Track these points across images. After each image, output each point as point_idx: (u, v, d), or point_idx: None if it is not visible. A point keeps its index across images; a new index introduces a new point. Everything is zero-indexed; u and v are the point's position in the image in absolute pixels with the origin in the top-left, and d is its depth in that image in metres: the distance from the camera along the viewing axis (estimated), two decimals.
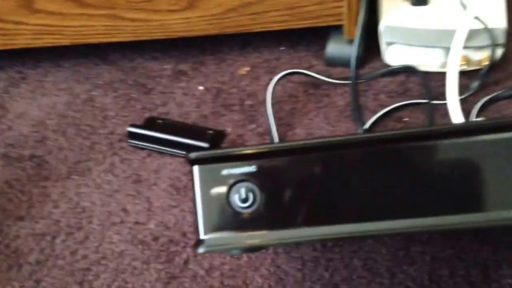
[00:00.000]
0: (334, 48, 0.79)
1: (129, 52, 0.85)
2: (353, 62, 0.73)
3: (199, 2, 0.72)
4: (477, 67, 0.74)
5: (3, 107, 0.77)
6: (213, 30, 0.76)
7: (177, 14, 0.73)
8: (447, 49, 0.72)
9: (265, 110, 0.73)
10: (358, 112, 0.71)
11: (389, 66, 0.77)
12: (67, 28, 0.74)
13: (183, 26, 0.75)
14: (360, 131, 0.68)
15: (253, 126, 0.72)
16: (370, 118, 0.71)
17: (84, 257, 0.58)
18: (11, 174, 0.68)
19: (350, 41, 0.77)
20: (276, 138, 0.68)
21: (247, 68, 0.81)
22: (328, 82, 0.77)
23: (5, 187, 0.67)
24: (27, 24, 0.72)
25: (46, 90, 0.80)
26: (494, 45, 0.72)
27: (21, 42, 0.75)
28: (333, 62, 0.79)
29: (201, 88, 0.79)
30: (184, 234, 0.59)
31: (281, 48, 0.84)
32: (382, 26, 0.75)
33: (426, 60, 0.75)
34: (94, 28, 0.74)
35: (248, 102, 0.76)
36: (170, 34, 0.76)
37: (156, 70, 0.82)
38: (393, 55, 0.77)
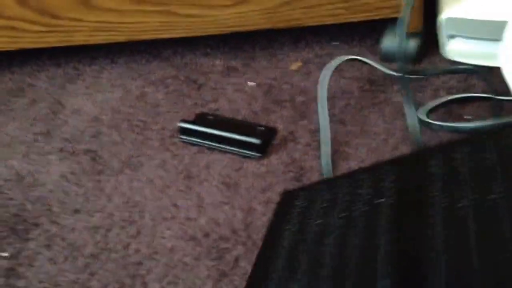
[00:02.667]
0: (390, 42, 0.77)
1: (180, 49, 0.85)
2: (402, 55, 0.71)
3: None
4: None
5: (59, 103, 0.79)
6: (266, 25, 0.75)
7: (230, 9, 0.73)
8: None
9: (317, 107, 0.72)
10: (411, 105, 0.68)
11: (449, 60, 0.74)
12: (123, 25, 0.75)
13: (236, 20, 0.75)
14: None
15: (305, 122, 0.71)
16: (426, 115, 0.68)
17: (137, 251, 0.59)
18: (67, 168, 0.69)
19: (408, 35, 0.75)
20: (328, 135, 0.66)
21: (299, 64, 0.80)
22: (385, 77, 0.75)
23: (61, 180, 0.68)
24: (84, 21, 0.73)
25: (100, 87, 0.82)
26: None
27: (78, 39, 0.76)
28: (388, 57, 0.77)
29: (252, 84, 0.78)
30: (234, 231, 0.59)
31: (334, 43, 0.83)
32: (443, 18, 0.72)
33: (490, 54, 0.72)
34: (149, 25, 0.75)
35: (299, 99, 0.75)
36: (223, 30, 0.76)
37: (207, 66, 0.82)
38: (455, 49, 0.74)
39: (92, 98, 0.80)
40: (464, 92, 0.71)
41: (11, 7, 0.71)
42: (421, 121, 0.64)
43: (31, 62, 0.86)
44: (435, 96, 0.71)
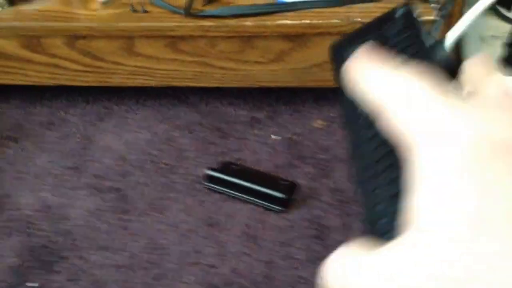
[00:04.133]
0: None
1: (206, 96, 0.89)
2: None
3: (286, 56, 0.75)
4: None
5: (90, 139, 0.82)
6: (295, 83, 0.79)
7: (263, 66, 0.77)
8: None
9: (337, 166, 0.75)
10: None
11: None
12: (158, 71, 0.78)
13: (267, 76, 0.78)
14: None
15: (327, 181, 0.74)
16: None
17: None
18: (94, 204, 0.72)
19: None
20: None
21: (322, 122, 0.84)
22: None
23: (88, 215, 0.70)
24: (124, 65, 0.77)
25: (129, 126, 0.85)
26: None
27: (115, 80, 0.80)
28: None
29: (275, 137, 0.81)
30: (255, 283, 0.61)
31: None
32: None
33: None
34: (183, 73, 0.78)
35: (321, 156, 0.78)
36: (254, 84, 0.80)
37: (231, 116, 0.86)
38: None
39: (120, 137, 0.83)
40: None
41: (59, 47, 0.75)
42: None
43: (63, 97, 0.89)
44: None
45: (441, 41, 0.27)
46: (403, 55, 0.26)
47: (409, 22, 0.28)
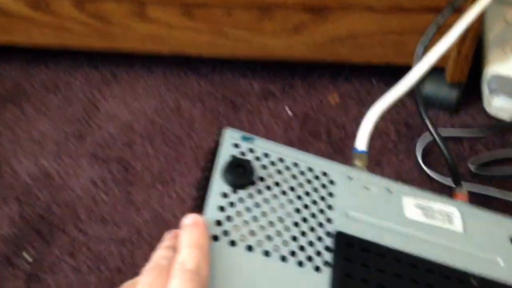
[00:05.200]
0: (432, 89, 0.77)
1: (219, 67, 0.85)
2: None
3: (305, 29, 0.71)
4: None
5: (95, 106, 0.78)
6: (312, 57, 0.75)
7: (280, 38, 0.72)
8: None
9: (352, 144, 0.71)
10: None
11: (489, 115, 0.74)
12: (170, 38, 0.74)
13: (284, 50, 0.74)
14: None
15: (340, 159, 0.70)
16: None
17: None
18: (97, 174, 0.68)
19: (449, 84, 0.74)
20: None
21: (337, 97, 0.80)
22: (421, 124, 0.74)
23: (90, 186, 0.67)
24: (135, 30, 0.72)
25: (136, 94, 0.81)
26: None
27: (124, 46, 0.76)
28: (427, 103, 0.77)
29: (289, 112, 0.78)
30: None
31: (373, 81, 0.83)
32: (488, 74, 0.72)
33: None
34: (197, 41, 0.74)
35: (336, 133, 0.74)
36: (269, 56, 0.76)
37: (245, 88, 0.82)
38: (497, 105, 0.74)
39: (127, 105, 0.79)
40: (500, 148, 0.71)
41: (66, 8, 0.71)
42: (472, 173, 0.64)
43: (68, 60, 0.85)
44: (475, 150, 0.71)
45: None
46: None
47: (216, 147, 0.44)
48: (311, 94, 0.81)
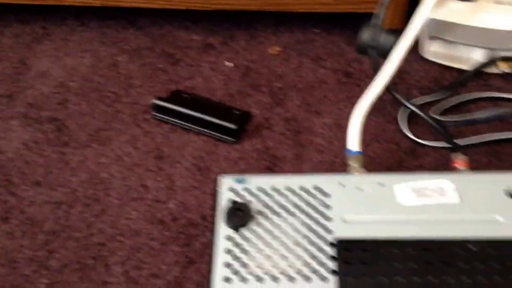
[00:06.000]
0: (369, 36, 0.76)
1: (158, 19, 0.82)
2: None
3: None
4: None
5: (25, 64, 0.75)
6: (252, 6, 0.73)
7: None
8: (488, 49, 0.70)
9: (293, 95, 0.71)
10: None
11: (426, 60, 0.75)
12: None
13: None
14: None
15: (281, 110, 0.70)
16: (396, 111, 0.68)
17: (100, 231, 0.57)
18: (30, 136, 0.66)
19: (386, 30, 0.74)
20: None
21: (279, 48, 0.79)
22: (360, 73, 0.74)
23: (22, 148, 0.65)
24: None
25: (70, 50, 0.78)
26: None
27: None
28: (363, 50, 0.76)
29: (229, 64, 0.76)
30: (204, 218, 0.58)
31: (315, 30, 0.82)
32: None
33: (465, 58, 0.73)
34: None
35: (277, 84, 0.73)
36: (207, 6, 0.73)
37: (184, 41, 0.79)
38: (434, 50, 0.74)
39: (60, 61, 0.76)
40: (434, 92, 0.71)
41: None
42: (434, 120, 0.64)
43: None
44: (409, 94, 0.71)
45: None
46: None
47: None
48: (252, 45, 0.79)
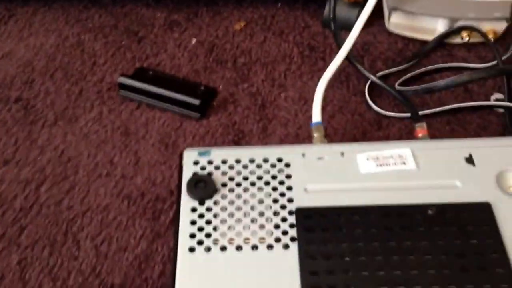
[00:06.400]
0: (331, 9, 0.77)
1: None
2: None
3: None
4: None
5: None
6: None
7: None
8: (450, 20, 0.72)
9: (258, 70, 0.72)
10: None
11: (390, 32, 0.76)
12: None
13: None
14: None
15: (246, 85, 0.71)
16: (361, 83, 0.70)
17: (69, 207, 0.58)
18: None
19: (351, 3, 0.75)
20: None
21: (243, 24, 0.80)
22: (325, 44, 0.76)
23: None
24: None
25: (34, 30, 0.78)
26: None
27: None
28: (328, 24, 0.78)
29: (194, 41, 0.77)
30: (171, 192, 0.59)
31: (278, 5, 0.83)
32: None
33: (427, 29, 0.74)
34: None
35: (241, 60, 0.74)
36: None
37: (148, 18, 0.80)
38: (396, 21, 0.75)
39: (24, 42, 0.76)
40: (398, 64, 0.73)
41: None
42: (396, 91, 0.65)
43: None
44: (373, 66, 0.73)
45: None
46: None
47: None
48: (216, 21, 0.80)
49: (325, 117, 0.63)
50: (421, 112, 0.64)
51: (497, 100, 0.67)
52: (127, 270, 0.53)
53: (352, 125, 0.66)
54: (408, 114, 0.64)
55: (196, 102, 0.66)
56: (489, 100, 0.68)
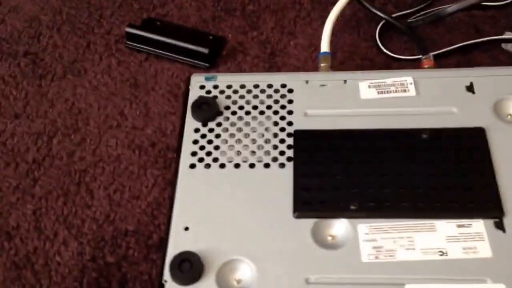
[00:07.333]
0: None
1: None
2: None
3: None
4: None
5: None
6: None
7: None
8: None
9: (267, 17, 0.71)
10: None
11: None
12: None
13: None
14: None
15: (255, 33, 0.70)
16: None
17: (81, 158, 0.59)
18: (5, 70, 0.66)
19: None
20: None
21: None
22: None
23: (0, 83, 0.65)
24: None
25: None
26: None
27: None
28: None
29: None
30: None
31: None
32: None
33: None
34: None
35: (250, 7, 0.73)
36: None
37: None
38: None
39: None
40: (409, 6, 0.71)
41: None
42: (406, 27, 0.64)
43: None
44: (384, 9, 0.71)
45: None
46: None
47: None
48: None
49: (335, 64, 0.61)
50: (430, 53, 0.63)
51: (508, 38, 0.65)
52: (140, 217, 0.53)
53: (362, 70, 0.65)
54: (419, 56, 0.63)
55: (205, 51, 0.65)
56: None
